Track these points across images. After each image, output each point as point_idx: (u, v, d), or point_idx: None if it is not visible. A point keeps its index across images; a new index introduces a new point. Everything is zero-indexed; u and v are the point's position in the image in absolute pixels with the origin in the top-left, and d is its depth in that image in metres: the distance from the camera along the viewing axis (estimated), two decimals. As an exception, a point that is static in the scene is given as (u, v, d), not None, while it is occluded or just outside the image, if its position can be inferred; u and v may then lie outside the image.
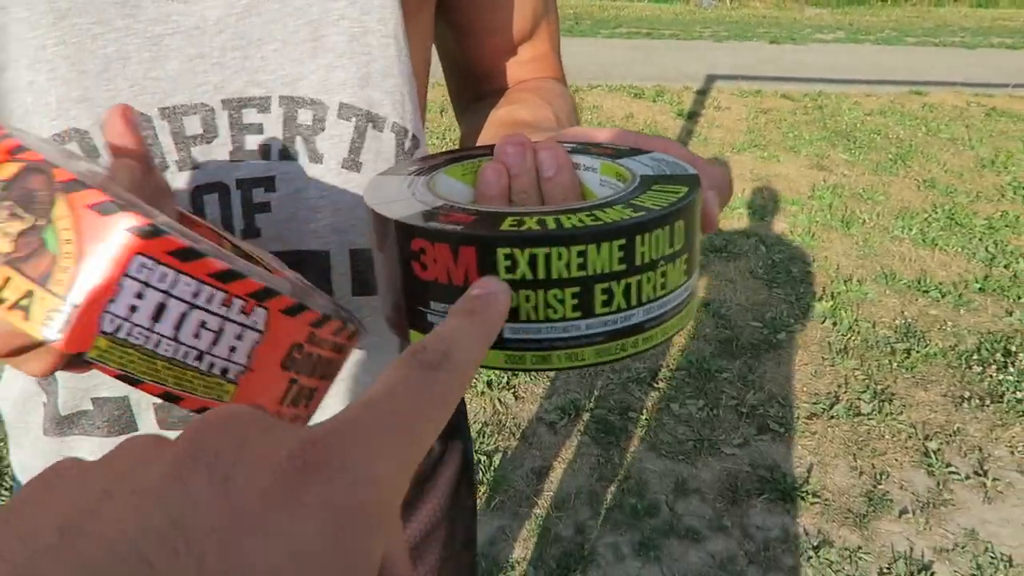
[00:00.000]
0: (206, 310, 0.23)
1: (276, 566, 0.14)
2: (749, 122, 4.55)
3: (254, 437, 0.15)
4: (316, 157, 0.42)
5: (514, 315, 0.26)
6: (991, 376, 2.15)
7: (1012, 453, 1.85)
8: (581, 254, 0.25)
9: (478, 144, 0.48)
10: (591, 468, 1.75)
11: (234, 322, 0.23)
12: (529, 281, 0.25)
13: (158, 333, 0.22)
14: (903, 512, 1.66)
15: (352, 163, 0.42)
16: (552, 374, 2.07)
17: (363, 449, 0.16)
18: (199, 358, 0.23)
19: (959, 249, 2.99)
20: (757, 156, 3.97)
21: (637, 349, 0.27)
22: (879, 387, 2.09)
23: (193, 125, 0.39)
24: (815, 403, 2.01)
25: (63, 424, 0.45)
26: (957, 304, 2.56)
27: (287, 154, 0.41)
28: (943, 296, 2.60)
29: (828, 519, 1.63)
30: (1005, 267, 2.84)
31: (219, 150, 0.40)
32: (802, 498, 1.67)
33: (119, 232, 0.22)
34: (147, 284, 0.22)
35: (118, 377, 0.22)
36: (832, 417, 1.96)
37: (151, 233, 0.22)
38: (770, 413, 1.96)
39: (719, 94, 5.14)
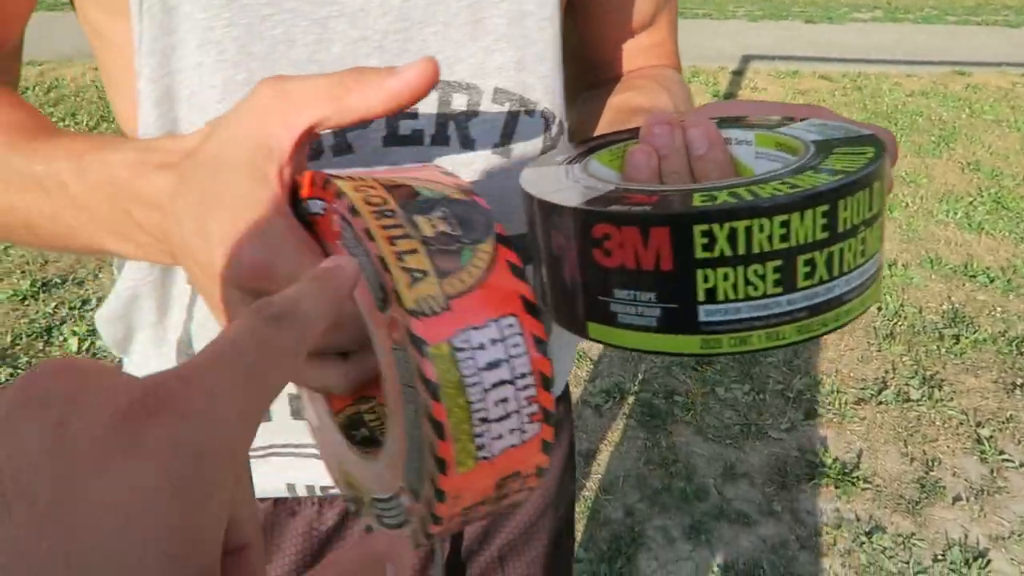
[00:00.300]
0: (515, 393, 0.24)
1: (111, 504, 0.14)
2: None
3: (92, 385, 0.15)
4: (468, 142, 0.41)
5: (711, 296, 0.25)
6: (1043, 363, 2.11)
7: (1067, 441, 1.82)
8: (784, 224, 0.24)
9: (597, 132, 0.48)
10: (638, 451, 1.75)
11: (520, 419, 0.24)
12: (728, 258, 0.24)
13: (479, 378, 0.23)
14: (956, 499, 1.64)
15: (503, 149, 0.42)
16: (597, 356, 2.08)
17: (204, 393, 0.16)
18: (482, 421, 0.23)
19: (1006, 233, 2.92)
20: (795, 138, 3.90)
21: (838, 323, 0.26)
22: (928, 373, 2.06)
23: None
24: (863, 388, 1.99)
25: None
26: (1006, 289, 2.50)
27: (439, 139, 0.41)
28: (991, 281, 2.55)
29: (880, 505, 1.62)
30: (1055, 252, 2.78)
31: (373, 135, 0.40)
32: (852, 484, 1.66)
33: (515, 294, 0.24)
34: (502, 340, 0.23)
35: (426, 381, 0.23)
36: (881, 403, 1.94)
37: (534, 311, 0.24)
38: (817, 398, 1.95)
39: (755, 75, 5.05)
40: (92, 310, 2.19)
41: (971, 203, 3.18)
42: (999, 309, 2.39)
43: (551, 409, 0.24)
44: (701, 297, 0.25)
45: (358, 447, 0.31)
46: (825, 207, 0.24)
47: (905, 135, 4.00)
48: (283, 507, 0.50)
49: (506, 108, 0.42)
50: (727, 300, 0.25)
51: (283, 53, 0.37)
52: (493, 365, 0.23)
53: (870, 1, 9.30)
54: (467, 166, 0.42)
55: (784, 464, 1.72)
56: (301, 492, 0.48)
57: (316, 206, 0.27)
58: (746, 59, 5.46)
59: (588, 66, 0.56)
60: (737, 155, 0.33)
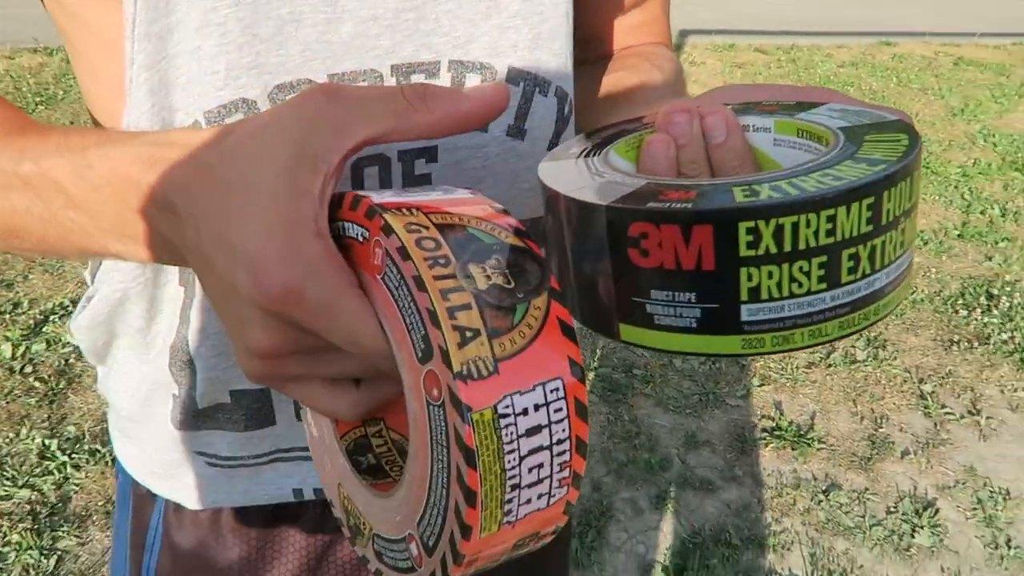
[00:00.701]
0: (550, 459, 0.23)
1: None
2: (724, 77, 4.55)
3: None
4: None
5: (754, 295, 0.24)
6: (976, 319, 2.22)
7: (1002, 392, 1.92)
8: (830, 219, 0.23)
9: (587, 112, 0.47)
10: (601, 426, 1.77)
11: (551, 485, 0.23)
12: (773, 255, 0.23)
13: (517, 444, 0.22)
14: (905, 453, 1.72)
15: (517, 131, 0.41)
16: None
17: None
18: (513, 488, 0.23)
19: (936, 197, 3.05)
20: (735, 111, 3.98)
21: (877, 317, 0.26)
22: (872, 334, 2.14)
23: None
24: (812, 353, 2.06)
25: (199, 417, 0.44)
26: (939, 251, 2.62)
27: None
28: (925, 243, 2.67)
29: (835, 463, 1.69)
30: (981, 213, 2.92)
31: None
32: (808, 444, 1.72)
33: (563, 357, 0.23)
34: (546, 404, 0.22)
35: (464, 448, 0.22)
36: (830, 365, 2.01)
37: (580, 376, 0.23)
38: (770, 364, 2.00)
39: (693, 49, 5.12)
40: (23, 313, 2.07)
41: (903, 169, 3.30)
42: (933, 270, 2.50)
43: (581, 474, 0.24)
44: (744, 296, 0.24)
45: (364, 476, 0.29)
46: (871, 199, 0.24)
47: (838, 105, 4.13)
48: (284, 513, 0.48)
49: (520, 88, 0.40)
50: (770, 298, 0.24)
51: (290, 34, 0.35)
52: (533, 431, 0.22)
53: (799, -26, 9.49)
54: (480, 148, 0.40)
55: (742, 430, 1.77)
56: (309, 496, 0.47)
57: (354, 230, 0.25)
58: (684, 34, 5.52)
59: (578, 43, 0.55)
60: (755, 143, 0.32)
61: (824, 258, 0.24)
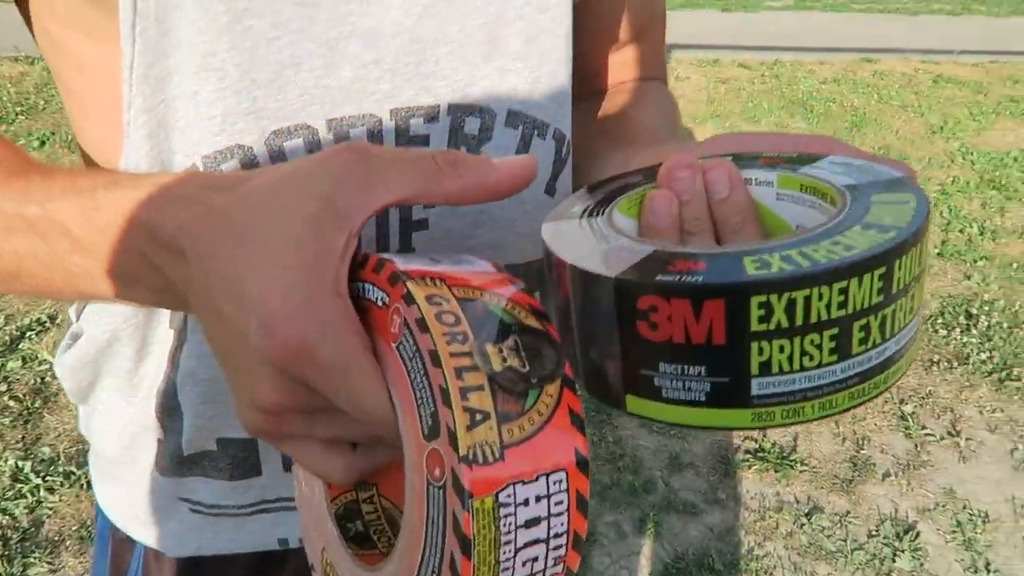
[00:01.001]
0: (545, 553, 0.23)
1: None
2: (709, 92, 4.59)
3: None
4: None
5: (765, 369, 0.24)
6: (956, 339, 2.24)
7: (981, 413, 1.94)
8: (843, 291, 0.23)
9: (584, 152, 0.47)
10: (585, 447, 1.77)
11: None
12: (784, 329, 0.23)
13: (514, 535, 0.22)
14: (886, 475, 1.73)
15: None
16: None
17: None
18: None
19: (917, 215, 3.08)
20: (719, 127, 4.01)
21: (887, 385, 0.26)
22: (853, 354, 2.16)
23: (359, 138, 0.37)
24: (795, 372, 2.07)
25: (184, 464, 0.43)
26: (919, 269, 2.65)
27: None
28: (905, 262, 2.69)
29: (817, 486, 1.69)
30: (960, 232, 2.95)
31: None
32: (791, 467, 1.73)
33: (570, 448, 0.22)
34: (547, 496, 0.22)
35: (461, 536, 0.21)
36: (812, 386, 2.02)
37: (584, 466, 0.23)
38: (753, 384, 2.01)
39: (678, 64, 5.16)
40: None
41: (884, 187, 3.34)
42: (914, 289, 2.53)
43: (574, 570, 0.24)
44: (755, 370, 0.24)
45: (351, 544, 0.29)
46: (882, 269, 0.23)
47: (820, 121, 4.17)
48: (269, 560, 0.47)
49: (519, 131, 0.40)
50: (781, 372, 0.24)
51: (289, 79, 0.34)
52: (532, 523, 0.22)
53: (782, -10, 9.62)
54: None
55: (726, 452, 1.77)
56: (294, 545, 0.46)
57: (374, 293, 0.24)
58: (668, 48, 5.57)
59: (572, 78, 0.55)
60: (758, 196, 0.32)
61: (835, 331, 0.24)
